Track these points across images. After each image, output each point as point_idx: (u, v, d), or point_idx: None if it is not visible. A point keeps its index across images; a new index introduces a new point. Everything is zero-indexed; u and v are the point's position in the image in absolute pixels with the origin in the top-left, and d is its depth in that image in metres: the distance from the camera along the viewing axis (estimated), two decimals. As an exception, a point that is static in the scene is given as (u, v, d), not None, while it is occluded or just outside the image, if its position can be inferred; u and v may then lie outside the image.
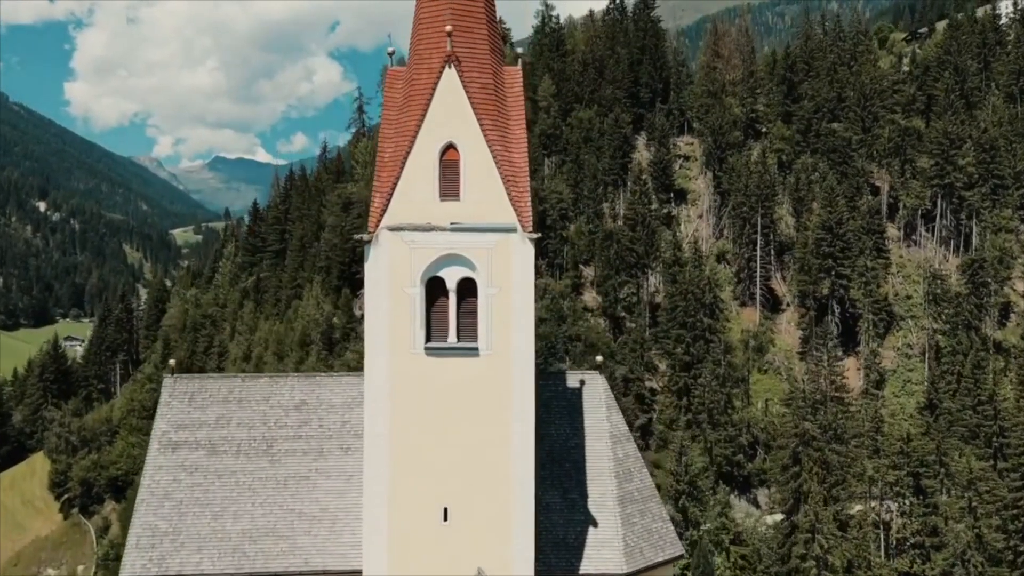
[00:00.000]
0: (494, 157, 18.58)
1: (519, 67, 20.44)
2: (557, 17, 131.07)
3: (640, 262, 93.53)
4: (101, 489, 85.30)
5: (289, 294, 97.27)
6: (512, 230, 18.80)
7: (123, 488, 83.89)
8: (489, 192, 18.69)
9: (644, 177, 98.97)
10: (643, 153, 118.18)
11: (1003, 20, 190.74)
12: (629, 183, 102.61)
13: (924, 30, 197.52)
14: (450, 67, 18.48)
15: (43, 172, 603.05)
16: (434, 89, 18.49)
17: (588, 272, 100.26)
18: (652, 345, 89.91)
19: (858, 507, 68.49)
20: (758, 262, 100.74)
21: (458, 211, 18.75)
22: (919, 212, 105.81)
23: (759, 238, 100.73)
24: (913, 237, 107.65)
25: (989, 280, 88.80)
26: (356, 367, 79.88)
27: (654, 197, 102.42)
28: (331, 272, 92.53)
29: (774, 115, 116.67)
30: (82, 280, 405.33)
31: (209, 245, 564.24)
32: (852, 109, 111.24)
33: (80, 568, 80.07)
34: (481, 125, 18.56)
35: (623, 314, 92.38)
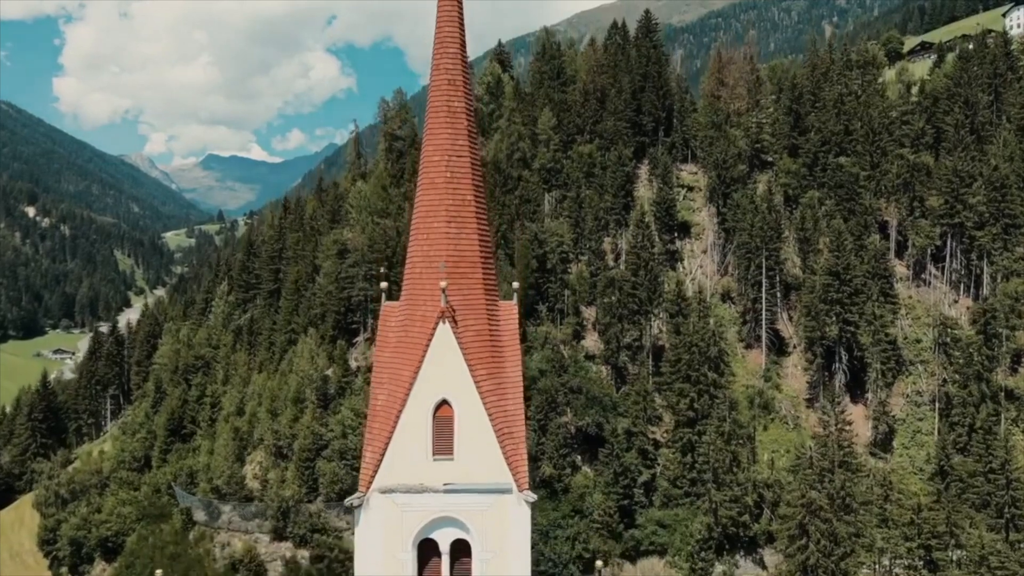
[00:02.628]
0: (488, 412, 18.24)
1: (514, 302, 20.08)
2: (558, 44, 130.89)
3: (643, 308, 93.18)
4: (91, 548, 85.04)
5: (283, 339, 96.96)
6: (507, 491, 18.42)
7: (113, 549, 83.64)
8: (483, 450, 18.34)
9: (647, 220, 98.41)
10: (645, 188, 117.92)
11: (1013, 30, 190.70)
12: (631, 224, 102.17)
13: (932, 44, 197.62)
14: (444, 323, 18.13)
15: (32, 175, 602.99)
16: (428, 344, 18.15)
17: (589, 313, 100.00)
18: (656, 395, 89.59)
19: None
20: (763, 304, 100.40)
21: (451, 470, 18.38)
22: (928, 252, 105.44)
23: (764, 280, 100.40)
24: (923, 276, 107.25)
25: (1001, 330, 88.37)
26: (351, 424, 79.66)
27: (657, 239, 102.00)
28: (326, 319, 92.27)
29: (780, 147, 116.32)
30: (72, 290, 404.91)
31: (202, 250, 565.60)
32: (859, 142, 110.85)
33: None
34: (475, 379, 18.22)
35: (626, 361, 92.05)
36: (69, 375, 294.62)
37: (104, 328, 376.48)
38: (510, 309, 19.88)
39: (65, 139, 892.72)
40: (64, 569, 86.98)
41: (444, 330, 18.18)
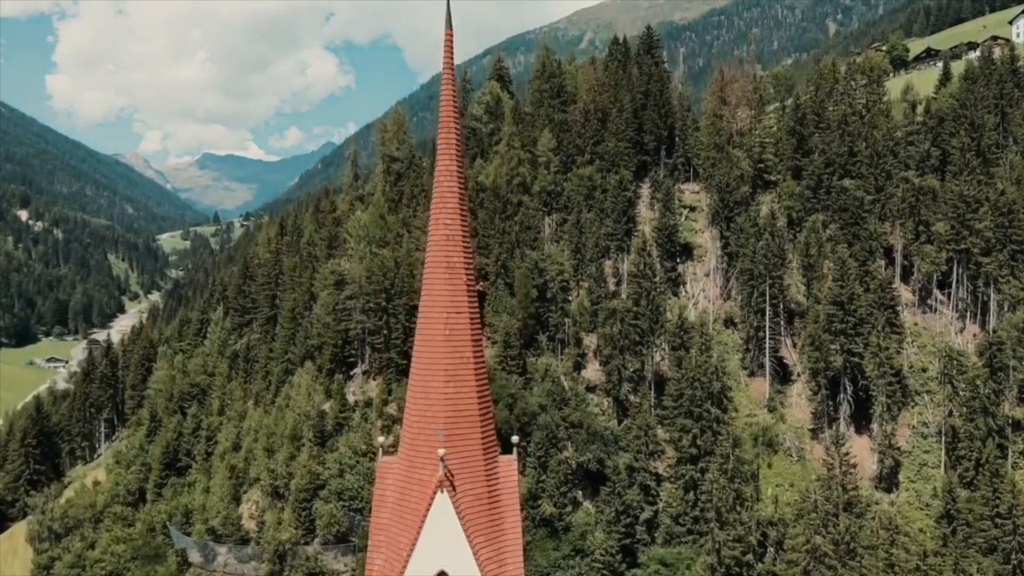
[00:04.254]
0: (487, 581, 18.17)
1: (513, 457, 20.02)
2: (558, 61, 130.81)
3: (645, 339, 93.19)
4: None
5: (280, 369, 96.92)
6: (508, 661, 18.34)
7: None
8: (483, 619, 18.25)
9: (648, 248, 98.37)
10: (646, 209, 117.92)
11: (1020, 38, 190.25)
12: (632, 251, 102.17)
13: (938, 52, 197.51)
14: (442, 492, 18.08)
15: (25, 176, 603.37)
16: (425, 514, 18.09)
17: (590, 340, 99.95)
18: (658, 428, 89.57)
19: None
20: (767, 333, 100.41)
21: (450, 641, 18.30)
22: (934, 277, 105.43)
23: (768, 308, 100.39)
24: (928, 302, 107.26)
25: (1008, 362, 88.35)
26: (349, 463, 79.63)
27: (659, 266, 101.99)
28: (323, 351, 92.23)
29: (783, 168, 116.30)
30: (66, 296, 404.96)
31: (197, 253, 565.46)
32: (864, 164, 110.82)
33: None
34: (473, 548, 18.15)
35: (627, 393, 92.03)
36: (63, 384, 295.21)
37: (98, 336, 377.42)
38: (509, 465, 19.81)
39: (58, 139, 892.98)
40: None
41: (442, 499, 18.12)
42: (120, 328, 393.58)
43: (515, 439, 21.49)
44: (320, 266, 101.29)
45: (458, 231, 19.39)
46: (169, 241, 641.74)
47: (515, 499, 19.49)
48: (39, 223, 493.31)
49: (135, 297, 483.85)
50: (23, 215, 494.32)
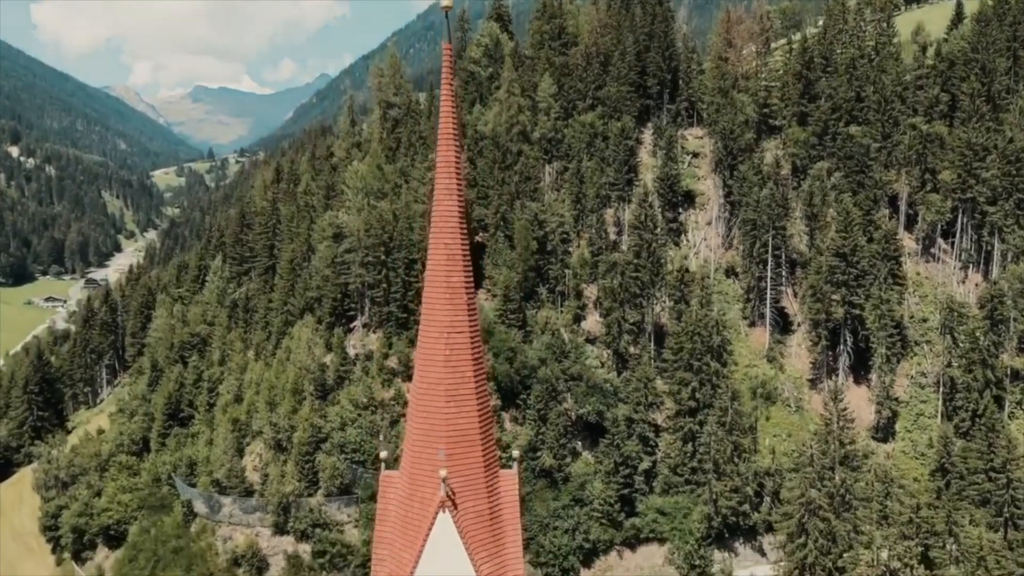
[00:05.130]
0: (489, 597, 18.80)
1: (514, 471, 20.44)
2: (559, 1, 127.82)
3: (645, 291, 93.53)
4: (93, 535, 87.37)
5: (280, 321, 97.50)
6: None
7: (116, 536, 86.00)
8: (485, 632, 18.94)
9: (650, 199, 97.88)
10: (648, 155, 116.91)
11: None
12: (634, 201, 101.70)
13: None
14: (443, 511, 18.56)
15: (14, 111, 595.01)
16: (428, 533, 18.60)
17: (591, 291, 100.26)
18: (657, 379, 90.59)
19: (865, 573, 70.35)
20: (768, 284, 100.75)
21: (453, 653, 19.01)
22: (939, 227, 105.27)
23: (770, 259, 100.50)
24: (932, 251, 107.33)
25: (1009, 315, 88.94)
26: (351, 417, 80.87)
27: (660, 217, 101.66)
28: (322, 303, 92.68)
29: (789, 115, 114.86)
30: (61, 235, 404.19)
31: (192, 190, 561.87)
32: (871, 110, 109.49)
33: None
34: (475, 564, 18.70)
35: (627, 345, 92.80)
36: (62, 324, 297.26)
37: (96, 276, 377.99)
38: (510, 479, 20.26)
39: (46, 71, 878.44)
40: (67, 555, 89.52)
41: (444, 518, 18.61)
42: (117, 267, 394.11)
43: (516, 454, 21.91)
44: (318, 217, 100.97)
45: (458, 250, 19.42)
46: (163, 178, 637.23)
47: (516, 513, 19.99)
48: (31, 160, 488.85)
49: (131, 236, 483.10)
50: (14, 152, 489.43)
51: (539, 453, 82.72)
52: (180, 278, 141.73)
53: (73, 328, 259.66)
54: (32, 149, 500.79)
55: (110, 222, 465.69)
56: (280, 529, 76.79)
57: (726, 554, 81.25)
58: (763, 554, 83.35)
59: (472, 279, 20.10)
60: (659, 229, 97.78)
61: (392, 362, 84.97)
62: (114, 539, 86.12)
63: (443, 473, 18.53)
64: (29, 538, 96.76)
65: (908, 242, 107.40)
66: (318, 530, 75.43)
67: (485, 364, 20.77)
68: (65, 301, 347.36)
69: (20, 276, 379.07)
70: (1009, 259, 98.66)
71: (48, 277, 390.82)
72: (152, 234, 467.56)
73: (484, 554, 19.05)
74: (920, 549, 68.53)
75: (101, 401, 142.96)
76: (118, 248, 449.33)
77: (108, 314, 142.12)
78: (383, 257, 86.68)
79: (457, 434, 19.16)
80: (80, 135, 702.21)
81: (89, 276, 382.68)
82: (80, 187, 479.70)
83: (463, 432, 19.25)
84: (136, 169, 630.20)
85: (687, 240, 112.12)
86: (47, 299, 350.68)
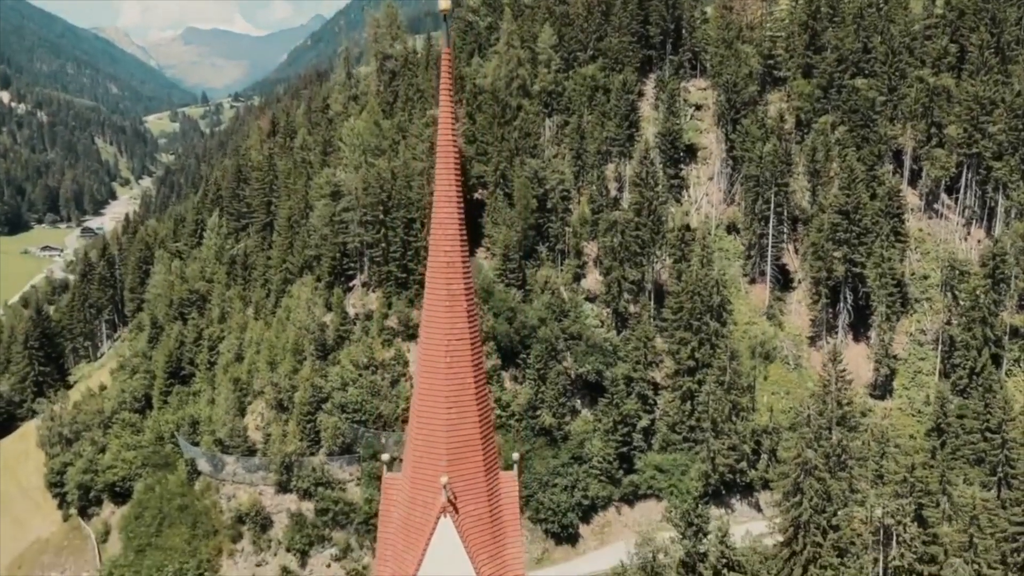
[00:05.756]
0: (490, 598, 19.39)
1: (514, 473, 20.86)
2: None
3: (645, 249, 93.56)
4: (98, 492, 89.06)
5: (279, 278, 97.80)
6: (511, 671, 19.79)
7: (121, 493, 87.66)
8: (486, 631, 19.57)
9: (651, 155, 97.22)
10: (650, 108, 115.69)
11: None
12: (635, 157, 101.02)
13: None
14: (445, 517, 19.02)
15: (3, 54, 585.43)
16: (430, 538, 19.09)
17: (591, 249, 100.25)
18: (657, 337, 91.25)
19: (859, 532, 71.89)
20: (770, 240, 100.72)
21: (455, 652, 19.68)
22: (943, 182, 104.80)
23: (772, 216, 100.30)
24: (935, 207, 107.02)
25: (1010, 273, 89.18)
26: (350, 377, 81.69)
27: (661, 174, 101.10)
28: (321, 262, 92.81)
29: (794, 66, 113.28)
30: (55, 183, 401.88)
31: (187, 136, 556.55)
32: (878, 62, 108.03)
33: (84, 575, 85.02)
34: (476, 566, 19.24)
35: (627, 304, 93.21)
36: (60, 274, 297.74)
37: (92, 224, 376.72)
38: (510, 482, 20.69)
39: (34, 12, 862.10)
40: (73, 511, 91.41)
41: (445, 523, 19.09)
42: (113, 215, 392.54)
43: (516, 456, 22.33)
44: (315, 173, 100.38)
45: (458, 257, 19.50)
46: (157, 123, 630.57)
47: (516, 514, 20.47)
48: (22, 105, 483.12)
49: (126, 183, 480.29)
50: (5, 97, 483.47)
51: (539, 412, 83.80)
52: (177, 232, 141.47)
53: (71, 278, 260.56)
54: (23, 94, 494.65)
55: (104, 169, 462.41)
56: (283, 488, 78.28)
57: (723, 510, 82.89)
58: (759, 510, 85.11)
59: (473, 285, 20.25)
60: (660, 186, 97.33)
61: (392, 322, 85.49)
62: (119, 495, 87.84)
63: (444, 480, 18.95)
64: (35, 493, 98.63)
65: (911, 198, 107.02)
66: (321, 489, 76.87)
67: (485, 369, 21.03)
68: (62, 250, 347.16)
69: (15, 225, 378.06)
70: (1013, 215, 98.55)
71: (44, 226, 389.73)
72: (147, 181, 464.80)
73: (485, 556, 19.59)
74: (913, 507, 69.92)
75: (102, 355, 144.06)
76: (113, 196, 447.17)
77: (106, 268, 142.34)
78: (382, 216, 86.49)
79: (458, 440, 19.52)
80: (70, 79, 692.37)
81: (85, 225, 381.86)
82: (73, 133, 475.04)
83: (464, 437, 19.59)
84: (129, 114, 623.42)
85: (688, 196, 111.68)
86: (43, 248, 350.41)
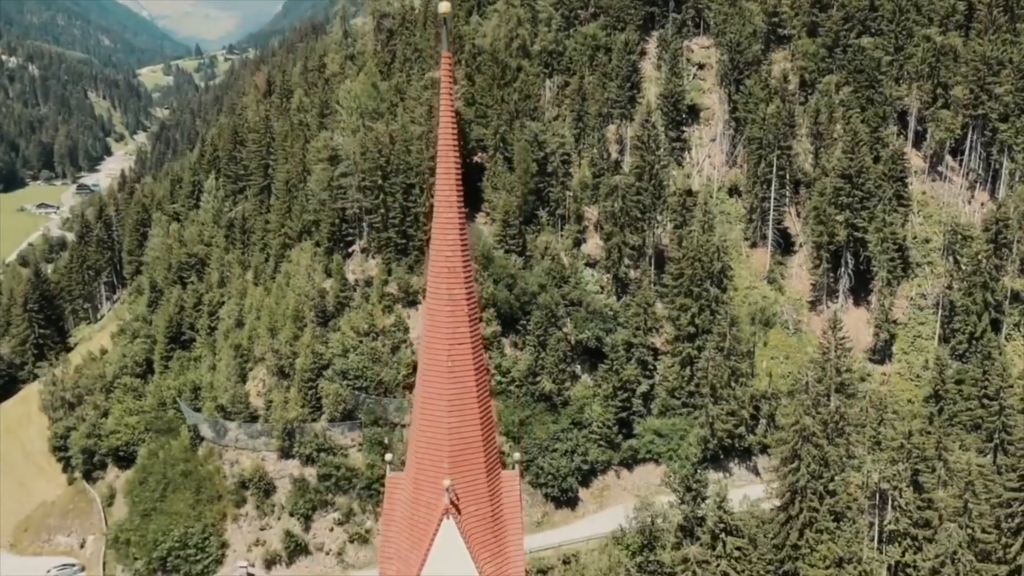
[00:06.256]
0: (492, 595, 19.94)
1: (515, 472, 21.28)
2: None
3: (646, 214, 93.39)
4: (103, 456, 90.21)
5: (277, 243, 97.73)
6: (512, 665, 20.42)
7: (125, 457, 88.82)
8: (488, 628, 20.15)
9: (652, 118, 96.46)
10: (652, 68, 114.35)
11: None
12: (637, 119, 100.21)
13: None
14: (448, 518, 19.47)
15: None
16: (433, 538, 19.56)
17: (591, 213, 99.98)
18: (657, 303, 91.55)
19: (855, 497, 73.12)
20: (772, 204, 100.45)
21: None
22: (948, 144, 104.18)
23: (774, 179, 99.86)
24: (939, 169, 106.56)
25: (1013, 239, 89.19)
26: (351, 344, 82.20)
27: (663, 137, 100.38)
28: (320, 227, 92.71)
29: (799, 24, 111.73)
30: (49, 138, 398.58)
31: (181, 89, 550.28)
32: (885, 20, 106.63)
33: (90, 538, 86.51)
34: (478, 565, 19.75)
35: (627, 270, 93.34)
36: (56, 232, 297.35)
37: (87, 181, 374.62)
38: (511, 481, 21.12)
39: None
40: (78, 475, 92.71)
41: (448, 525, 19.55)
42: (108, 171, 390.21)
43: (517, 456, 22.73)
44: (312, 136, 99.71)
45: (459, 263, 19.64)
46: (150, 76, 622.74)
47: (517, 512, 20.95)
48: (13, 58, 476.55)
49: (120, 139, 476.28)
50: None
51: (539, 378, 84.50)
52: (174, 193, 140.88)
53: (68, 236, 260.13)
54: (13, 47, 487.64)
55: (98, 124, 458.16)
56: (286, 453, 79.35)
57: (721, 474, 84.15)
58: (757, 474, 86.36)
59: (474, 289, 20.43)
60: (662, 150, 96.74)
61: (392, 288, 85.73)
62: (123, 460, 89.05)
63: (447, 483, 19.37)
64: (39, 456, 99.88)
65: (915, 160, 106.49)
66: (323, 454, 77.94)
67: (488, 372, 21.32)
68: (58, 207, 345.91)
69: (10, 182, 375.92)
70: (1017, 178, 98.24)
71: (39, 183, 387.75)
72: (142, 137, 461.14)
73: (487, 555, 20.11)
74: (909, 473, 71.00)
75: (101, 317, 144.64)
76: (108, 152, 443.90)
77: (103, 230, 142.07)
78: (380, 182, 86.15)
79: (460, 442, 19.89)
80: (61, 31, 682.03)
81: (81, 181, 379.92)
82: (65, 87, 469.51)
83: (466, 440, 19.96)
84: (121, 67, 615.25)
85: (690, 158, 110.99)
86: (39, 206, 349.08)
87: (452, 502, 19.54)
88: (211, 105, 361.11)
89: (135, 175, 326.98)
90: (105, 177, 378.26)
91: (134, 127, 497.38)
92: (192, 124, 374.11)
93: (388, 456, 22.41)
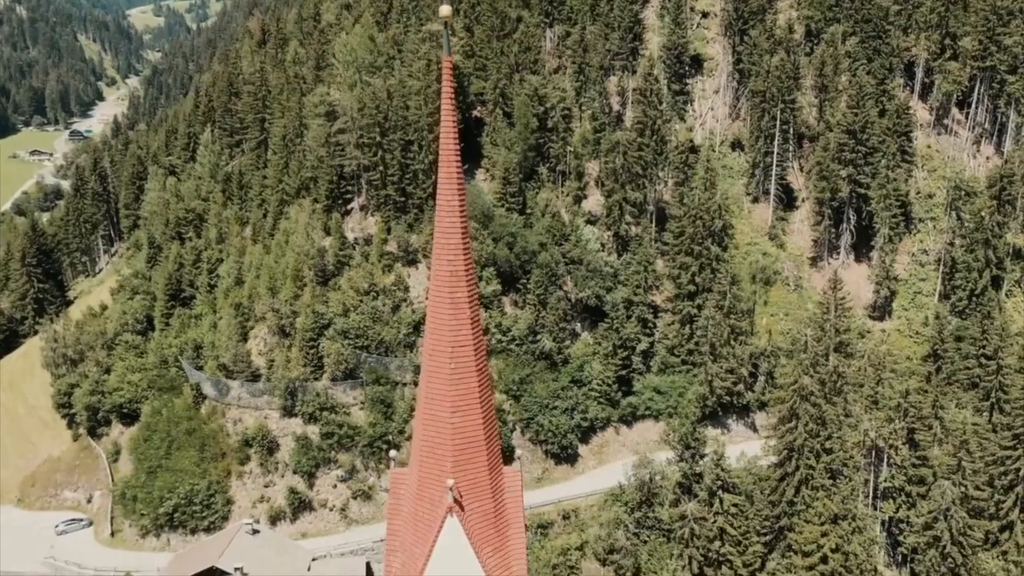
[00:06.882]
0: (494, 591, 20.72)
1: (517, 468, 21.84)
2: None
3: (648, 171, 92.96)
4: (107, 412, 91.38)
5: (275, 199, 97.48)
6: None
7: (129, 414, 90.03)
8: (492, 620, 20.96)
9: (655, 71, 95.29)
10: (654, 17, 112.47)
11: None
12: (639, 72, 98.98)
13: None
14: (451, 516, 20.11)
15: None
16: (437, 535, 20.22)
17: (592, 168, 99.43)
18: (658, 260, 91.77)
19: (851, 455, 74.50)
20: (775, 159, 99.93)
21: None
22: (954, 97, 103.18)
23: (778, 134, 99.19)
24: (945, 122, 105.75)
25: (1016, 195, 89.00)
26: (351, 303, 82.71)
27: (666, 90, 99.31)
28: (318, 184, 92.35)
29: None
30: (40, 83, 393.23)
31: (173, 32, 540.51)
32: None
33: (97, 494, 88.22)
34: (481, 559, 20.46)
35: (628, 227, 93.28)
36: (51, 179, 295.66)
37: (80, 127, 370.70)
38: (513, 477, 21.73)
39: None
40: (83, 431, 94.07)
41: (452, 522, 20.20)
42: (101, 117, 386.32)
43: (519, 453, 23.28)
44: (309, 90, 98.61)
45: (461, 266, 19.89)
46: (141, 18, 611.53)
47: (519, 508, 21.60)
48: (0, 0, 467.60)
49: (112, 83, 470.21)
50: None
51: (539, 336, 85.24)
52: (169, 145, 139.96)
53: (62, 184, 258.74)
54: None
55: (89, 68, 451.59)
56: (288, 412, 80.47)
57: (719, 431, 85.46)
58: (755, 430, 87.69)
59: (476, 291, 20.73)
60: (664, 104, 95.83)
61: (391, 247, 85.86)
62: (127, 416, 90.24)
63: (451, 482, 19.95)
64: (42, 412, 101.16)
65: (921, 112, 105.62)
66: (325, 413, 79.05)
67: (490, 372, 21.75)
68: (51, 154, 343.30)
69: (3, 128, 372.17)
70: (1022, 140, 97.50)
71: (31, 128, 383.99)
72: (134, 81, 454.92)
73: (490, 549, 20.82)
74: (906, 431, 72.24)
75: (100, 271, 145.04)
76: (100, 96, 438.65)
77: (99, 183, 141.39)
78: (378, 139, 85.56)
79: (463, 442, 20.42)
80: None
81: (73, 127, 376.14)
82: (54, 29, 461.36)
83: (468, 439, 20.49)
84: (111, 7, 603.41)
85: (693, 110, 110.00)
86: (33, 152, 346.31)
87: (456, 500, 20.16)
88: (204, 48, 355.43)
89: (128, 121, 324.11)
90: (98, 123, 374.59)
91: (125, 71, 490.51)
92: (185, 68, 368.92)
93: (393, 453, 22.94)
